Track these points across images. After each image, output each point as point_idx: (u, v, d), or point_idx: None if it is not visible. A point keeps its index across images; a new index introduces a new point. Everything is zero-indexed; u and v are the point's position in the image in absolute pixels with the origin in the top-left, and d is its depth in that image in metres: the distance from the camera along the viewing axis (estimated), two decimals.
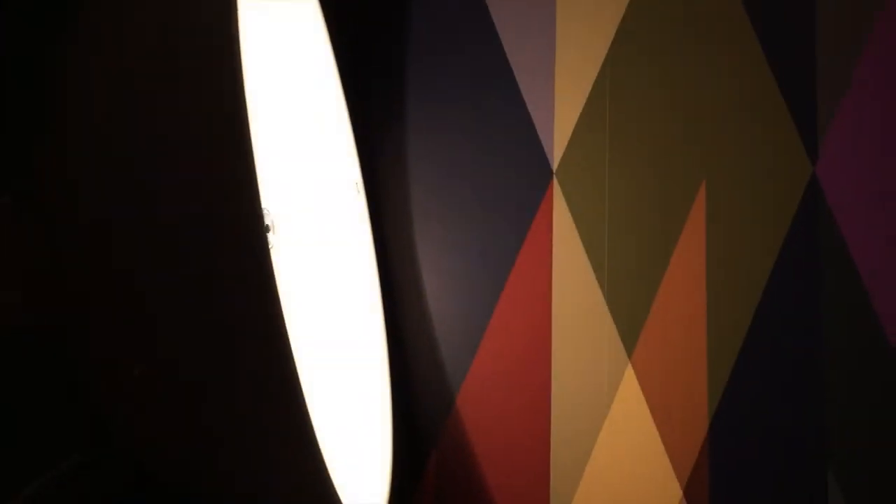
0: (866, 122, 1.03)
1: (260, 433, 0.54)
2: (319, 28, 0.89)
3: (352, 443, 0.87)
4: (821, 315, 1.03)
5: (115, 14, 0.53)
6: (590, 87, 1.10)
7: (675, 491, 1.06)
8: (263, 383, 0.52)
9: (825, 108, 1.04)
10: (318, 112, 0.94)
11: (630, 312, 1.08)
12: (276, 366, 0.51)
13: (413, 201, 1.12)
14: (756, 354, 1.05)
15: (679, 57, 1.08)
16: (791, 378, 1.04)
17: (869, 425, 1.02)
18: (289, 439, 0.54)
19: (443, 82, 1.12)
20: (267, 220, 0.75)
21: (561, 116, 1.10)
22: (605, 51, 1.10)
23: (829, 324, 1.03)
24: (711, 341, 1.06)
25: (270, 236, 0.75)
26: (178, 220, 0.49)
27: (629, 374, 1.08)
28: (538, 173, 1.10)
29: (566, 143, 1.10)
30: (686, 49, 1.08)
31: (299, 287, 0.87)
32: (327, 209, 0.96)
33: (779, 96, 1.06)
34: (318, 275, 0.91)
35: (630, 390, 1.08)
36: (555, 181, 1.10)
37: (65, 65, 0.53)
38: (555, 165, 1.10)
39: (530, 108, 1.11)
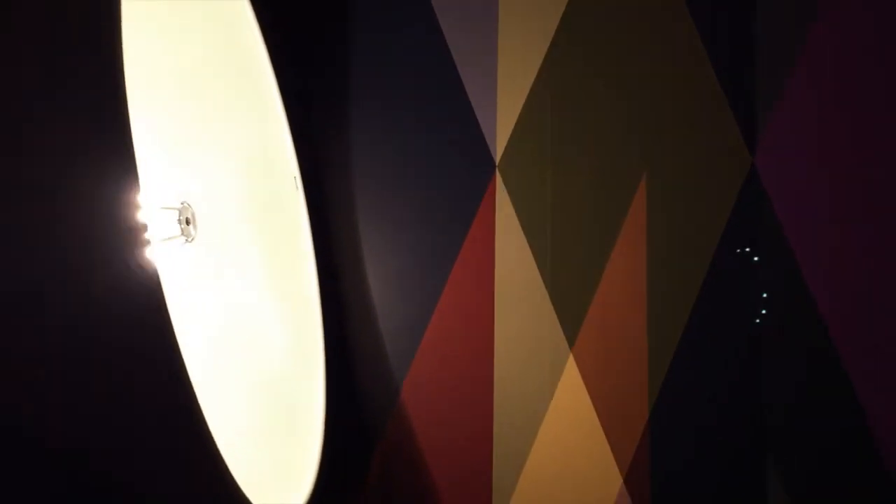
0: (804, 114, 1.04)
1: (150, 427, 0.55)
2: (251, 23, 0.90)
3: (278, 436, 0.89)
4: (760, 305, 1.05)
5: None
6: (532, 81, 1.11)
7: (616, 478, 1.08)
8: (153, 383, 0.53)
9: (764, 101, 1.05)
10: (253, 108, 0.95)
11: (572, 303, 1.09)
12: (166, 368, 0.52)
13: (357, 195, 1.13)
14: (696, 344, 1.06)
15: (620, 50, 1.09)
16: (731, 367, 1.06)
17: (808, 412, 1.03)
18: (180, 435, 0.55)
19: (385, 75, 1.13)
20: (186, 215, 0.77)
21: (503, 110, 1.11)
22: (546, 44, 1.11)
23: (769, 313, 1.04)
24: (652, 331, 1.07)
25: (189, 229, 0.77)
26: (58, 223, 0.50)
27: (571, 363, 1.09)
28: (481, 166, 1.12)
29: (508, 137, 1.11)
30: (627, 42, 1.09)
31: (229, 279, 0.88)
32: (264, 204, 0.97)
33: (718, 89, 1.07)
34: (250, 268, 0.93)
35: (571, 380, 1.09)
36: (497, 174, 1.11)
37: None
38: (497, 158, 1.11)
39: (473, 101, 1.12)
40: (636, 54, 1.08)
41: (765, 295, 1.05)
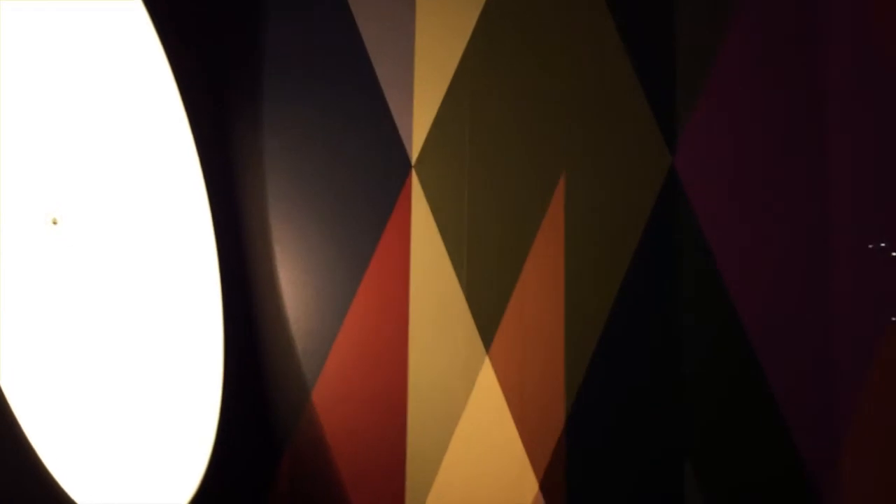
0: (723, 115, 1.03)
1: None
2: (146, 28, 0.89)
3: (162, 440, 0.87)
4: (678, 305, 1.03)
5: None
6: (449, 80, 1.10)
7: (532, 484, 1.06)
8: None
9: (684, 102, 1.04)
10: (149, 110, 0.94)
11: (488, 306, 1.08)
12: None
13: (269, 195, 1.11)
14: (614, 346, 1.04)
15: (539, 49, 1.08)
16: (649, 370, 1.04)
17: (727, 415, 1.01)
18: None
19: (299, 73, 1.12)
20: (55, 215, 0.76)
21: (420, 109, 1.10)
22: (464, 43, 1.10)
23: (687, 314, 1.03)
24: (569, 334, 1.06)
25: (57, 228, 0.76)
26: None
27: (486, 367, 1.07)
28: (396, 167, 1.10)
29: (425, 137, 1.10)
30: (546, 41, 1.08)
31: (115, 279, 0.87)
32: (161, 204, 0.96)
33: (639, 89, 1.05)
34: (142, 268, 0.91)
35: (487, 383, 1.07)
36: (413, 174, 1.10)
37: None
38: (413, 159, 1.10)
39: (389, 101, 1.11)
40: (555, 54, 1.07)
41: (684, 297, 1.03)
